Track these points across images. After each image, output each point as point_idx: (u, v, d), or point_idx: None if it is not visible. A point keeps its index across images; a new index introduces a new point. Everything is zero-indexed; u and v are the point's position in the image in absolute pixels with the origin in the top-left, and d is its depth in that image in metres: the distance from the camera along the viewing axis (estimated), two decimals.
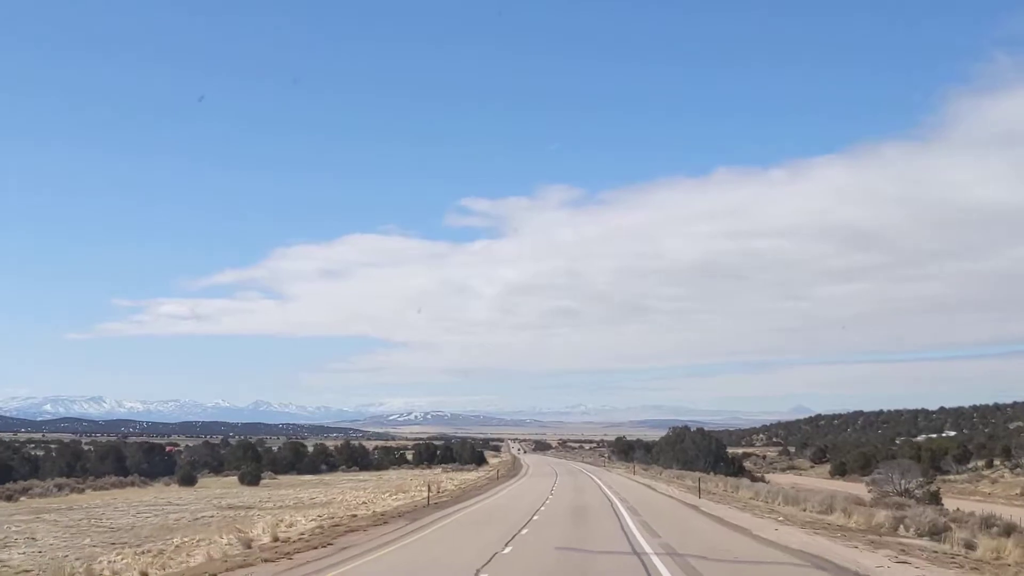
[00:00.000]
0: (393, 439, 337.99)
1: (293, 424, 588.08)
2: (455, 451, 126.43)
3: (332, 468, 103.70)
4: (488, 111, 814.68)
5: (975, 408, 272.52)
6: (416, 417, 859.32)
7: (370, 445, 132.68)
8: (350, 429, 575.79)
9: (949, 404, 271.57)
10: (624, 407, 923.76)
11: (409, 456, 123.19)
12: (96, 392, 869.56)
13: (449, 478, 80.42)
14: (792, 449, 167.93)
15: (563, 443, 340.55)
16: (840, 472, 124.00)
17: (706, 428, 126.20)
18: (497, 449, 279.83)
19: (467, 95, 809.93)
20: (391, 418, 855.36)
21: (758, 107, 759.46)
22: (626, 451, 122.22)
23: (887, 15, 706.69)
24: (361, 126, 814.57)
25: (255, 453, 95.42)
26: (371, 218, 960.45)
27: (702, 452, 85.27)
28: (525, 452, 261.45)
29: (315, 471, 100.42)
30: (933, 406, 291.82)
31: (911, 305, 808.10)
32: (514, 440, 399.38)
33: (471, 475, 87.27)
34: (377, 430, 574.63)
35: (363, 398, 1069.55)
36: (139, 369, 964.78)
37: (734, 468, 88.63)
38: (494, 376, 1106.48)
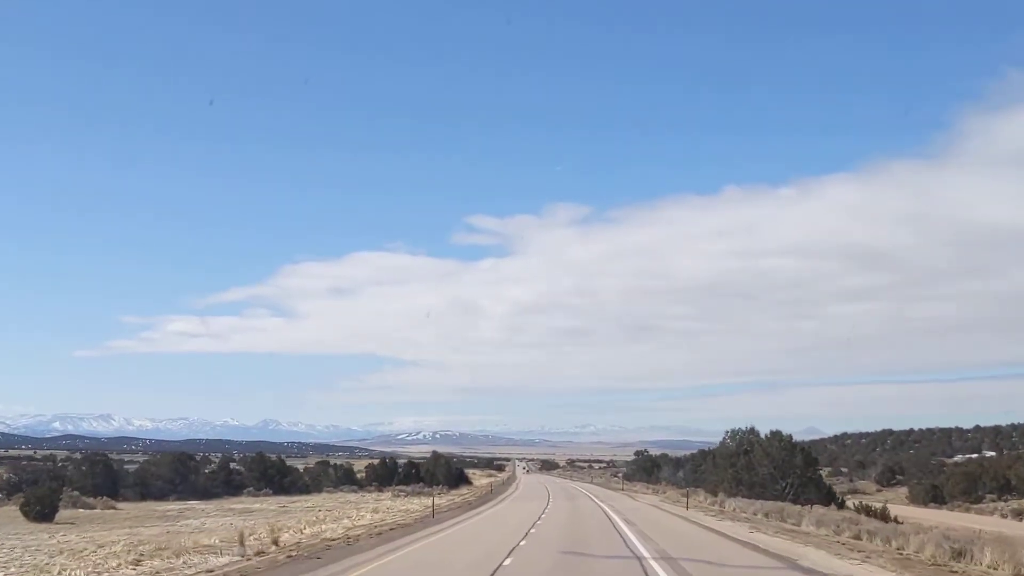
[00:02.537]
0: (398, 458, 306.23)
1: (299, 443, 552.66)
2: (425, 470, 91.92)
3: (237, 489, 69.56)
4: (495, 128, 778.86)
5: (1014, 427, 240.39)
6: (425, 436, 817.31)
7: (306, 462, 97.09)
8: (357, 448, 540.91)
9: (964, 423, 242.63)
10: (634, 427, 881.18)
11: (363, 473, 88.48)
12: (105, 410, 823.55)
13: (374, 510, 46.75)
14: (845, 469, 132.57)
15: (571, 462, 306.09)
16: (933, 499, 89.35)
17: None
18: (501, 468, 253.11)
19: (473, 112, 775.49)
20: (399, 437, 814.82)
21: (767, 125, 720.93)
22: (649, 469, 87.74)
23: (897, 32, 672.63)
24: (366, 142, 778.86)
25: (108, 470, 61.33)
26: (378, 236, 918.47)
27: (780, 469, 50.71)
28: (528, 472, 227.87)
29: (207, 495, 66.34)
30: (965, 425, 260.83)
31: (923, 325, 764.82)
32: (521, 459, 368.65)
33: (416, 504, 53.22)
34: (384, 449, 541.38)
35: (372, 417, 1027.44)
36: (148, 387, 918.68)
37: (822, 493, 54.12)
38: (503, 395, 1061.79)
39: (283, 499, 66.25)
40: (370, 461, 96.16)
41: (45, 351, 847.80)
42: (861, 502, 52.37)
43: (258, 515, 50.40)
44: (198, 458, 73.20)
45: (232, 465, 72.81)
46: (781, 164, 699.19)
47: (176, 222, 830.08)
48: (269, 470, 70.40)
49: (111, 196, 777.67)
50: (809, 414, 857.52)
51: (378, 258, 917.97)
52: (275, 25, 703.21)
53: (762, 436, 53.25)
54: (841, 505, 55.22)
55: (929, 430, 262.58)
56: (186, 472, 67.15)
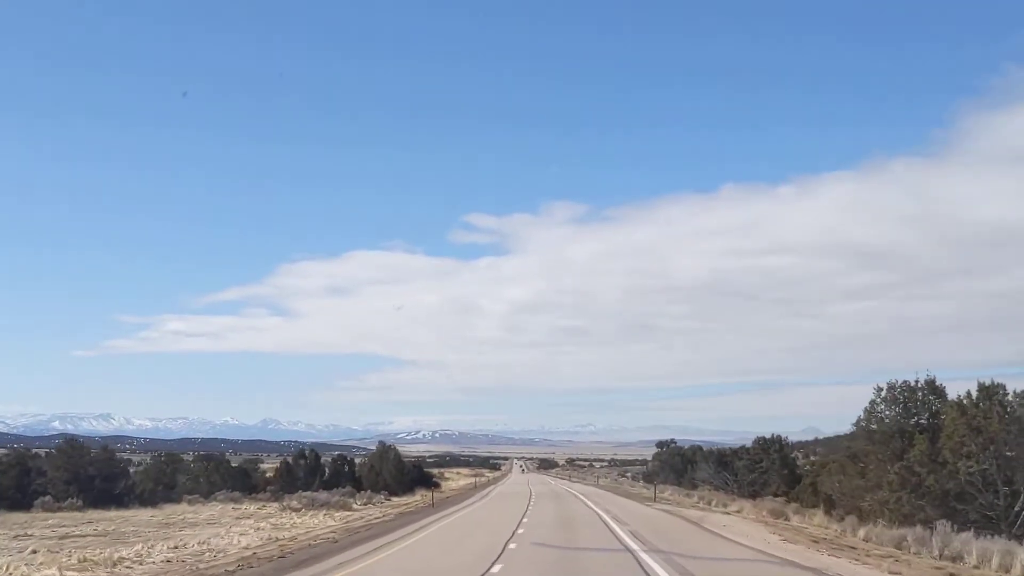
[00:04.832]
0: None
1: (296, 441, 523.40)
2: (369, 468, 63.58)
3: (31, 498, 40.96)
4: (491, 126, 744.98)
5: None
6: (424, 436, 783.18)
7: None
8: (355, 447, 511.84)
9: None
10: (633, 426, 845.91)
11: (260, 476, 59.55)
12: (105, 409, 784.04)
13: (105, 559, 18.22)
14: None
15: (571, 461, 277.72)
16: None
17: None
18: (496, 467, 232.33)
19: (470, 110, 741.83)
20: (399, 436, 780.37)
21: (766, 122, 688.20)
22: (680, 467, 59.04)
23: (898, 28, 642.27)
24: (362, 140, 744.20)
25: None
26: (376, 234, 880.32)
27: (1007, 461, 22.11)
28: (524, 471, 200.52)
29: None
30: None
31: (923, 324, 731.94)
32: (519, 458, 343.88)
33: (260, 533, 24.47)
34: None
35: (372, 416, 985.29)
36: (147, 386, 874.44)
37: None
38: (503, 395, 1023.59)
39: (92, 515, 37.74)
40: (284, 457, 66.89)
41: (43, 351, 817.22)
42: None
43: None
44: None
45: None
46: (780, 162, 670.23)
47: (172, 221, 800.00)
48: (87, 469, 42.08)
49: (107, 196, 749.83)
50: (809, 414, 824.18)
51: (376, 257, 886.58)
52: (271, 22, 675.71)
53: (963, 402, 24.46)
54: None
55: None
56: None
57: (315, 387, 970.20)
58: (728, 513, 33.59)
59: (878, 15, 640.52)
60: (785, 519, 29.69)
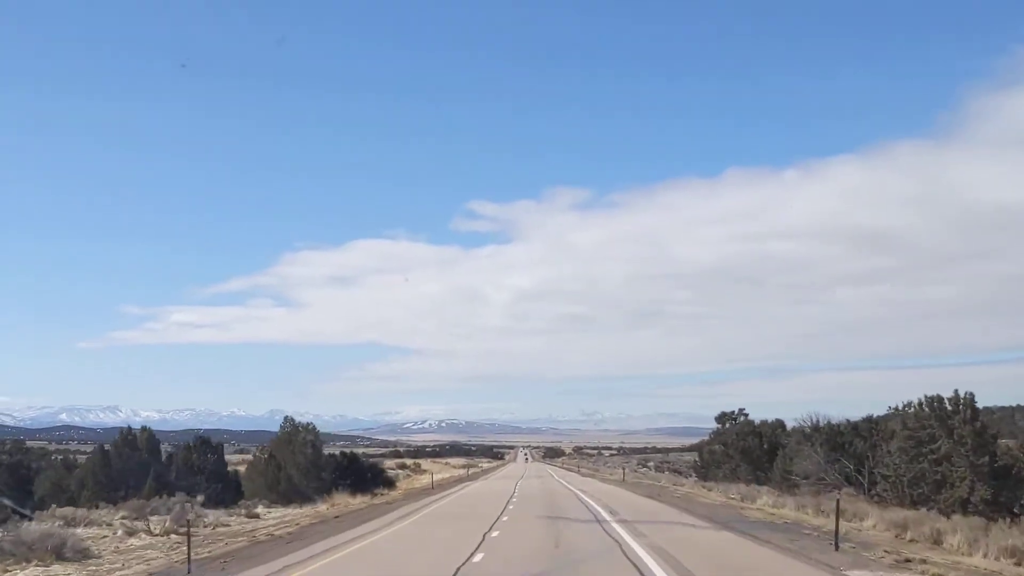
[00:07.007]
0: (404, 447, 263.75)
1: None
2: (261, 466, 40.66)
3: None
4: (493, 112, 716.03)
5: None
6: (431, 425, 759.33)
7: None
8: (361, 437, 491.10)
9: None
10: (640, 415, 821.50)
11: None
12: (112, 401, 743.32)
13: None
14: None
15: (578, 450, 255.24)
16: None
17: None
18: (501, 456, 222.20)
19: (471, 96, 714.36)
20: (405, 426, 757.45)
21: (770, 106, 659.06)
22: (756, 456, 35.61)
23: (903, 10, 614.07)
24: (363, 128, 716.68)
25: None
26: (378, 223, 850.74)
27: None
28: (528, 460, 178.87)
29: None
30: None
31: (928, 309, 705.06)
32: (524, 447, 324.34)
33: None
34: (389, 438, 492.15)
35: (379, 406, 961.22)
36: (154, 377, 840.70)
37: None
38: (509, 384, 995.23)
39: None
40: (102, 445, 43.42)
41: (49, 343, 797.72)
42: None
43: None
44: None
45: None
46: (785, 146, 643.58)
47: (176, 212, 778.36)
48: None
49: (110, 186, 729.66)
50: (815, 399, 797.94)
51: (378, 246, 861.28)
52: (274, 8, 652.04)
53: None
54: None
55: (987, 408, 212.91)
56: None
57: (321, 377, 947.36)
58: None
59: None
60: None
